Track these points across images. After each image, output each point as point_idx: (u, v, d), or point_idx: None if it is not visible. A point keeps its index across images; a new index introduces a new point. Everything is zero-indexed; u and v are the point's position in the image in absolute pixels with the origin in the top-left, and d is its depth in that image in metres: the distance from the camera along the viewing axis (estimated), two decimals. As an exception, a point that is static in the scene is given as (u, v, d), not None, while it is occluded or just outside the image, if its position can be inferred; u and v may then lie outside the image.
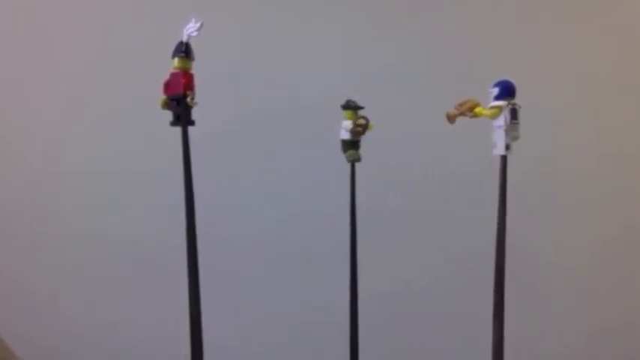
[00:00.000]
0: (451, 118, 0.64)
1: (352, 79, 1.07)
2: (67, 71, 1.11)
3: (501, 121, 0.62)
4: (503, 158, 0.63)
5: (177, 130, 1.01)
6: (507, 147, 0.62)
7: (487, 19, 1.13)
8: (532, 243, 1.11)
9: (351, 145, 0.77)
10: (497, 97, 0.62)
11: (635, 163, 1.13)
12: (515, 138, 0.63)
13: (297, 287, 1.11)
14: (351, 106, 0.76)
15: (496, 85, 0.63)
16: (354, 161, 0.77)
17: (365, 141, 0.77)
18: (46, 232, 1.11)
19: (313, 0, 1.12)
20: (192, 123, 0.64)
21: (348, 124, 0.76)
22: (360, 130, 0.75)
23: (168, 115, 1.07)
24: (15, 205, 1.11)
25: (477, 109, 0.63)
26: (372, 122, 0.76)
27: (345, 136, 0.76)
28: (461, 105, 0.63)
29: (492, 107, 0.62)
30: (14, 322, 1.04)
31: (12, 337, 1.00)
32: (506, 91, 0.62)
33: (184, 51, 0.61)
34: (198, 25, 0.60)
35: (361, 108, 0.76)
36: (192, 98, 0.62)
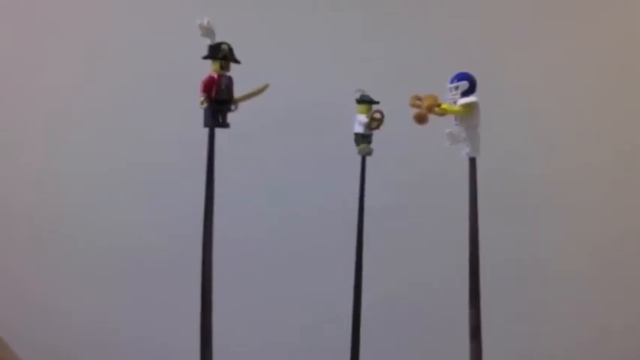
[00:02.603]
0: (422, 119, 0.57)
1: (353, 78, 1.05)
2: (68, 71, 1.11)
3: (477, 119, 0.57)
4: (474, 161, 0.57)
5: (178, 131, 1.01)
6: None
7: (486, 19, 1.12)
8: (532, 243, 1.10)
9: (364, 139, 0.77)
10: (468, 92, 0.56)
11: (635, 163, 1.12)
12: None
13: (300, 288, 1.11)
14: (365, 100, 0.77)
15: (461, 78, 0.56)
16: (366, 155, 0.77)
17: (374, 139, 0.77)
18: (46, 232, 1.12)
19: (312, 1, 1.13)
20: (208, 124, 0.63)
21: (362, 118, 0.77)
22: (375, 124, 0.76)
23: (167, 116, 1.07)
24: (15, 205, 1.12)
25: (444, 106, 0.56)
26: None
27: (359, 129, 0.77)
28: (418, 99, 0.56)
29: (466, 104, 0.56)
30: (14, 322, 1.05)
31: (12, 337, 1.00)
32: (475, 84, 0.56)
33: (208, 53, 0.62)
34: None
35: (376, 102, 0.77)
36: (202, 102, 0.62)
